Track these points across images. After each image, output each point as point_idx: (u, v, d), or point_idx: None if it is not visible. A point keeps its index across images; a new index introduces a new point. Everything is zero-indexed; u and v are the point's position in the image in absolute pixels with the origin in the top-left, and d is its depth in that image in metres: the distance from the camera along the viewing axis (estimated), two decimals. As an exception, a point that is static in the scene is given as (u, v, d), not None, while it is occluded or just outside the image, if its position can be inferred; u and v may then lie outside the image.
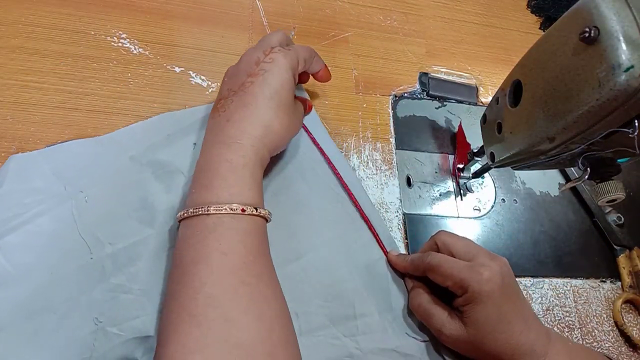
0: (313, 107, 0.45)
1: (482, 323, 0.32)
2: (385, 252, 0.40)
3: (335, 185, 0.42)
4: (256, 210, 0.30)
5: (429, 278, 0.36)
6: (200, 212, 0.29)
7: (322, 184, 0.42)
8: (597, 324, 0.44)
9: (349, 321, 0.37)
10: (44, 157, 0.37)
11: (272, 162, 0.40)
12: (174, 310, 0.28)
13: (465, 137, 0.48)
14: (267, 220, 0.32)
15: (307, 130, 0.44)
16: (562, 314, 0.44)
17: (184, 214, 0.30)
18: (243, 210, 0.29)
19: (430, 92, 0.52)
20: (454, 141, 0.50)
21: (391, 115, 0.49)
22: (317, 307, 0.37)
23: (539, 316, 0.43)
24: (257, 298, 0.28)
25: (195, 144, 0.40)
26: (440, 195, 0.47)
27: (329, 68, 0.41)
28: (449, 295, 0.35)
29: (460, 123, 0.49)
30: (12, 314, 0.32)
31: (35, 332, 0.32)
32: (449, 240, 0.36)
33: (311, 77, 0.43)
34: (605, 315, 0.45)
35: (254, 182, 0.31)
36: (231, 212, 0.29)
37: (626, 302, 0.46)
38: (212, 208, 0.29)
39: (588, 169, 0.32)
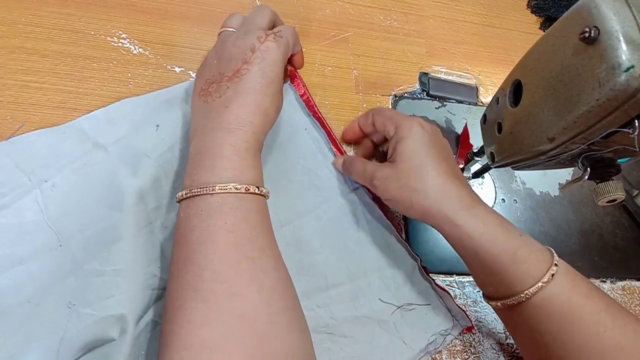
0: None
1: (409, 156, 0.35)
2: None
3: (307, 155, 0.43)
4: (258, 189, 0.32)
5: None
6: (204, 192, 0.30)
7: (293, 156, 0.43)
8: (597, 324, 0.44)
9: (322, 292, 0.39)
10: (3, 150, 0.37)
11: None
12: (179, 288, 0.28)
13: (469, 138, 0.48)
14: (266, 198, 0.34)
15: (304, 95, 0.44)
16: (562, 314, 0.44)
17: (186, 194, 0.31)
18: (247, 189, 0.31)
19: (430, 92, 0.52)
20: (455, 141, 0.50)
21: (391, 115, 0.49)
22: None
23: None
24: (259, 270, 0.29)
25: (158, 126, 0.40)
26: (440, 195, 0.47)
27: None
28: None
29: (466, 124, 0.49)
30: None
31: (8, 321, 0.32)
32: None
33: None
34: (605, 315, 0.45)
35: (255, 164, 0.33)
36: (236, 191, 0.30)
37: None
38: (217, 187, 0.30)
39: (588, 169, 0.32)
